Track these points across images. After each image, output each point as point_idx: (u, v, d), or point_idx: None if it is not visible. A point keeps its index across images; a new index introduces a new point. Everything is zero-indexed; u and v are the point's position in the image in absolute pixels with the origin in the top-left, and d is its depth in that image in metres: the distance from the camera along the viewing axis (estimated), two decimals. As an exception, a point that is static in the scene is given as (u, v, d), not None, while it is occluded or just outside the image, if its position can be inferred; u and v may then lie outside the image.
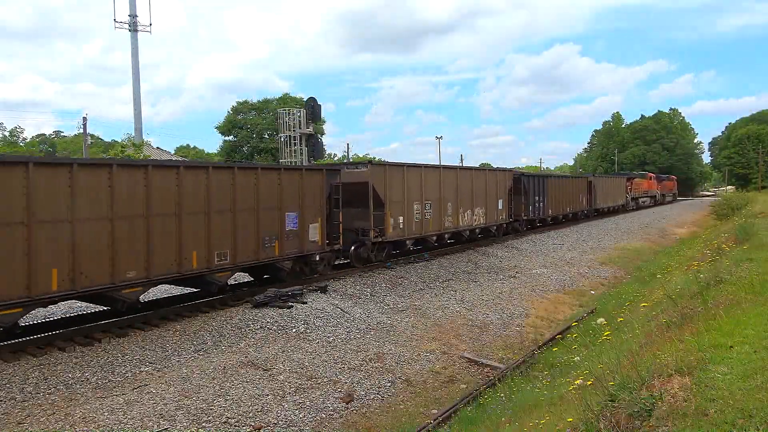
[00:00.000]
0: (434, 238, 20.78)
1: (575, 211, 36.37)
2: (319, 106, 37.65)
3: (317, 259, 15.51)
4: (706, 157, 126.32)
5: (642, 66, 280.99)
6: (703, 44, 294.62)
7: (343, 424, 8.69)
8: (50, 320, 11.95)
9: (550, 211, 31.64)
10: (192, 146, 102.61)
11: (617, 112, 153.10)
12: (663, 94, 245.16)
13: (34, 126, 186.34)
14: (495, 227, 25.68)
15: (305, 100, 40.42)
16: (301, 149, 35.62)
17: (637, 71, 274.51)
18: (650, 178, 61.61)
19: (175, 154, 64.89)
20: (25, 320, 11.01)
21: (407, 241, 19.73)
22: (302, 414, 8.69)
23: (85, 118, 48.34)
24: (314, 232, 15.11)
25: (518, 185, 27.84)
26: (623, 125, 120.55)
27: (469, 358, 12.05)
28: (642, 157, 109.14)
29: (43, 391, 8.41)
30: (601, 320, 13.56)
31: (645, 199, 57.95)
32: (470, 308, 15.43)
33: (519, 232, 28.46)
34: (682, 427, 3.90)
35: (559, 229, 32.60)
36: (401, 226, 18.81)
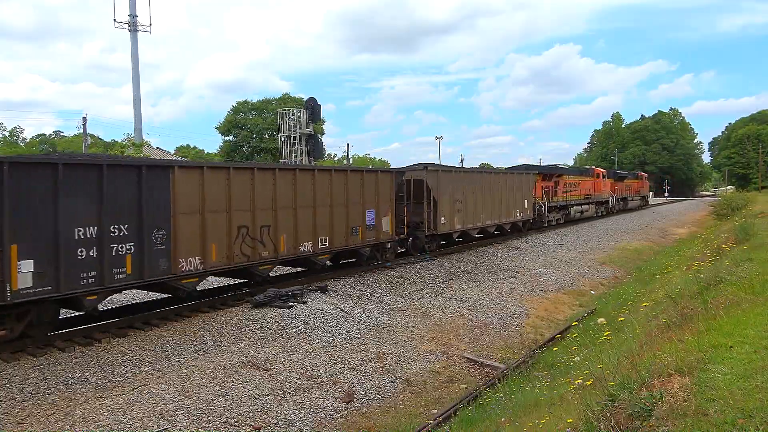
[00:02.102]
0: None
1: (349, 247, 16.40)
2: (319, 106, 37.63)
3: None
4: (706, 157, 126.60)
5: (642, 66, 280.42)
6: (703, 44, 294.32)
7: (343, 424, 8.69)
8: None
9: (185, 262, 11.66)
10: (192, 146, 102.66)
11: (617, 112, 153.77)
12: (663, 94, 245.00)
13: (34, 126, 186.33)
14: None
15: (305, 100, 40.39)
16: (301, 149, 35.64)
17: (637, 71, 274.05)
18: (597, 176, 41.96)
19: (174, 154, 64.92)
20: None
21: None
22: (302, 414, 8.69)
23: (85, 118, 48.42)
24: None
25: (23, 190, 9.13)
26: (623, 125, 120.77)
27: (469, 358, 12.05)
28: (642, 157, 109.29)
29: (43, 391, 8.41)
30: (601, 320, 13.57)
31: (584, 207, 37.46)
32: (470, 308, 15.42)
33: None
34: (682, 427, 3.90)
35: (558, 229, 32.51)
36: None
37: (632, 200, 52.64)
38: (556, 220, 33.46)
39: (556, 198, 33.24)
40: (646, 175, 65.04)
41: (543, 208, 30.83)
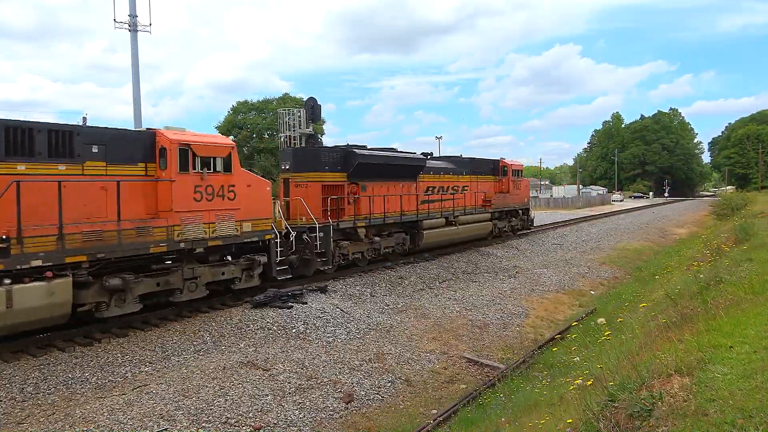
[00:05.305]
0: None
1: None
2: (319, 106, 37.47)
3: None
4: (706, 157, 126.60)
5: (642, 66, 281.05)
6: (703, 44, 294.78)
7: (343, 424, 8.69)
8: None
9: None
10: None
11: (617, 112, 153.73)
12: (663, 94, 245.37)
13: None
14: None
15: (305, 100, 40.37)
16: (301, 149, 35.62)
17: (637, 71, 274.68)
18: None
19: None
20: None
21: None
22: (302, 414, 8.69)
23: (85, 118, 48.07)
24: None
25: None
26: (623, 125, 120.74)
27: (469, 359, 12.05)
28: (642, 157, 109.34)
29: (43, 391, 8.41)
30: (600, 320, 13.56)
31: None
32: (470, 308, 15.42)
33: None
34: (682, 427, 3.90)
35: (559, 229, 32.51)
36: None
37: (454, 223, 22.32)
38: None
39: None
40: (521, 164, 29.82)
41: None
